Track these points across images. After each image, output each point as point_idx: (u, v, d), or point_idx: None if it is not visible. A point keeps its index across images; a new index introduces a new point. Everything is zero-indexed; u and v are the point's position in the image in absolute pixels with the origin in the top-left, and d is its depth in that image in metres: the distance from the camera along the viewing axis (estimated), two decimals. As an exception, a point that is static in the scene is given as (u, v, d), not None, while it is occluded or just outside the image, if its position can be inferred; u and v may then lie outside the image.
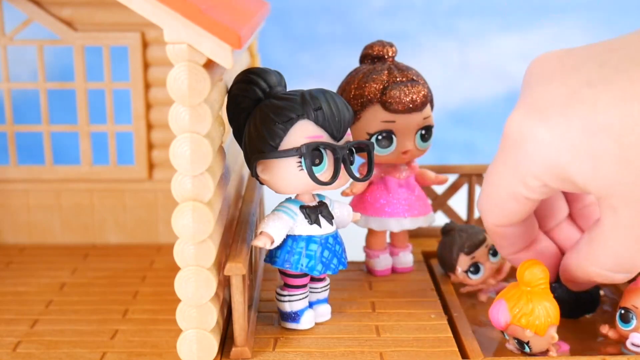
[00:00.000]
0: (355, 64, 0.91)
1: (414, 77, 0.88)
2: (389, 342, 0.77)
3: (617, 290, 0.91)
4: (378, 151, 0.86)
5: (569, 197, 0.83)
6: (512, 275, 0.86)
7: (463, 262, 0.89)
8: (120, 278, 0.98)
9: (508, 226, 0.77)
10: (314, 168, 0.74)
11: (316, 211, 0.78)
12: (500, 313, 0.74)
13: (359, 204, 0.92)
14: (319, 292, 0.82)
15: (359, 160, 0.80)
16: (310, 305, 0.81)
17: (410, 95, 0.86)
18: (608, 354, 0.78)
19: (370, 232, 0.94)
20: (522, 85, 0.74)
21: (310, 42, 1.58)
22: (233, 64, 0.65)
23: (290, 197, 0.79)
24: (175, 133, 0.66)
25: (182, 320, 0.71)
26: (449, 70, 1.59)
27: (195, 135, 0.66)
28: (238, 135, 0.79)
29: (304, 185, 0.75)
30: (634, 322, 0.77)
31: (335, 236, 0.79)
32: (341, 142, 0.76)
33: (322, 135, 0.74)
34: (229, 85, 0.78)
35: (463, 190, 1.06)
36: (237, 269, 0.72)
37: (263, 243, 0.75)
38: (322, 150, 0.74)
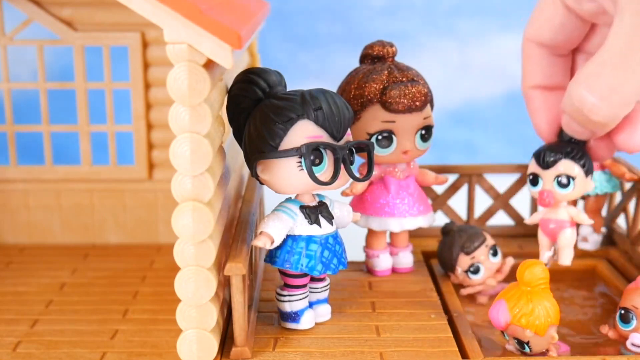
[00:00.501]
0: (355, 64, 0.91)
1: (414, 77, 0.88)
2: (389, 342, 0.77)
3: (617, 290, 0.91)
4: (378, 151, 0.86)
5: None
6: (512, 275, 0.86)
7: (463, 262, 0.89)
8: (120, 278, 0.98)
9: (539, 43, 0.81)
10: (314, 168, 0.74)
11: (316, 211, 0.78)
12: (500, 313, 0.74)
13: (359, 204, 0.92)
14: (319, 292, 0.82)
15: (359, 160, 0.80)
16: (310, 305, 0.81)
17: (410, 95, 0.86)
18: (608, 354, 0.78)
19: (370, 232, 0.94)
20: None
21: (310, 42, 1.58)
22: (233, 64, 0.65)
23: (290, 197, 0.79)
24: (175, 133, 0.66)
25: (182, 320, 0.71)
26: (449, 70, 1.59)
27: (195, 135, 0.66)
28: (238, 135, 0.79)
29: (304, 185, 0.75)
30: (634, 322, 0.77)
31: (335, 236, 0.79)
32: (341, 142, 0.76)
33: (322, 135, 0.74)
34: (229, 85, 0.78)
35: (463, 190, 1.06)
36: (237, 269, 0.72)
37: (263, 243, 0.75)
38: (322, 150, 0.74)
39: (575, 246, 0.87)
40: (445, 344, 0.77)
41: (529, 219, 0.88)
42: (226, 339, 0.77)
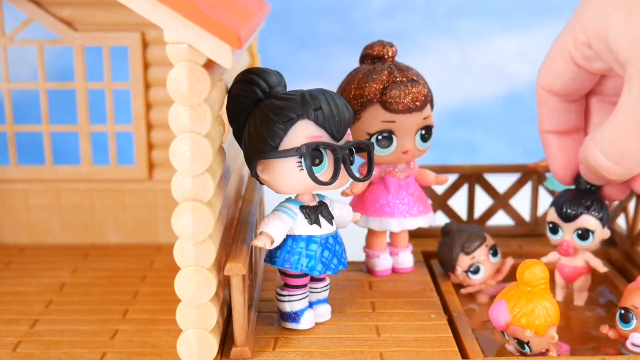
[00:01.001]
0: (355, 64, 0.91)
1: (414, 77, 0.88)
2: (389, 342, 0.77)
3: (617, 291, 0.91)
4: (378, 151, 0.86)
5: None
6: (512, 275, 0.86)
7: (463, 262, 0.89)
8: (120, 278, 0.98)
9: (551, 92, 0.81)
10: (314, 168, 0.74)
11: (316, 211, 0.78)
12: (500, 313, 0.74)
13: (359, 204, 0.92)
14: (319, 292, 0.82)
15: (359, 160, 0.80)
16: (310, 305, 0.81)
17: (410, 95, 0.86)
18: (608, 354, 0.78)
19: (370, 232, 0.94)
20: None
21: (310, 42, 1.58)
22: (233, 64, 0.65)
23: (290, 197, 0.79)
24: (175, 133, 0.66)
25: (182, 320, 0.71)
26: (449, 70, 1.59)
27: (195, 135, 0.66)
28: (238, 135, 0.79)
29: (304, 185, 0.75)
30: (633, 322, 0.77)
31: (335, 236, 0.79)
32: (341, 142, 0.76)
33: (322, 135, 0.74)
34: (229, 85, 0.78)
35: (463, 190, 1.06)
36: (237, 269, 0.72)
37: (263, 243, 0.75)
38: (322, 150, 0.74)
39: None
40: (445, 344, 0.77)
41: (545, 259, 0.87)
42: (226, 339, 0.77)
